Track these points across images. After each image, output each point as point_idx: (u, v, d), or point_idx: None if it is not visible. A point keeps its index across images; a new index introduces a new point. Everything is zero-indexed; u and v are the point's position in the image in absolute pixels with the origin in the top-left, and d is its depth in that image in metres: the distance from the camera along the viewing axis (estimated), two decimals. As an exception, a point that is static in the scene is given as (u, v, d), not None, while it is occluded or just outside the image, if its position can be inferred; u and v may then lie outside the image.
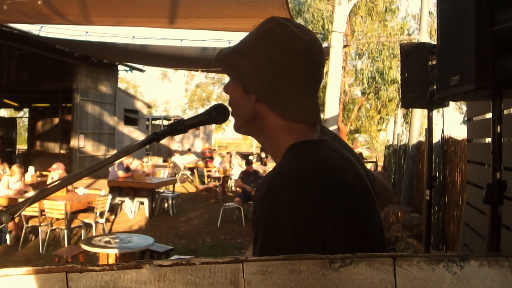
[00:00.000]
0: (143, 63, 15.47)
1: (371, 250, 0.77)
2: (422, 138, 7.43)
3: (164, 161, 17.19)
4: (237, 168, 11.84)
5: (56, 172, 7.55)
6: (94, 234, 6.35)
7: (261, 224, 0.74)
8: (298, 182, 0.75)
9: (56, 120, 16.64)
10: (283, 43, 0.85)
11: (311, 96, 0.88)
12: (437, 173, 5.29)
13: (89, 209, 6.74)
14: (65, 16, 7.26)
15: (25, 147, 19.46)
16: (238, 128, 0.94)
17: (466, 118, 3.65)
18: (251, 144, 36.65)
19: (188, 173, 13.85)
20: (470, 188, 3.26)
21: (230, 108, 0.94)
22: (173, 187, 9.96)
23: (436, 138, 5.12)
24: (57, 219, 6.18)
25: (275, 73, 0.85)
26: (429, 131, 3.39)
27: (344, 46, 10.68)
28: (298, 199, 0.73)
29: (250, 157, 14.08)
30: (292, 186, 0.74)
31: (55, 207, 5.99)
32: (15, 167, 6.80)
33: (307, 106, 0.87)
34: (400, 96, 6.57)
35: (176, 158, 14.59)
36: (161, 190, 9.67)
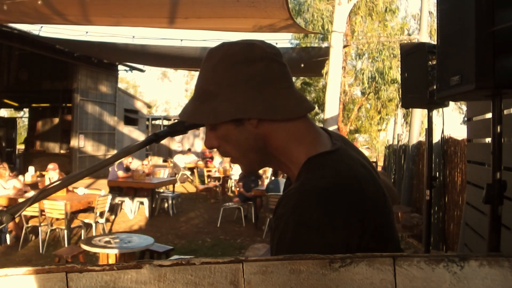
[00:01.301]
0: (143, 63, 15.48)
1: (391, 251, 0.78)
2: (422, 138, 7.43)
3: (164, 161, 17.20)
4: (237, 168, 11.84)
5: (54, 172, 7.54)
6: (94, 234, 6.35)
7: (286, 242, 0.73)
8: (324, 200, 0.74)
9: (56, 120, 16.64)
10: (245, 58, 0.84)
11: (293, 88, 0.88)
12: (437, 173, 5.29)
13: (89, 209, 6.74)
14: (65, 16, 7.26)
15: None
16: (250, 167, 0.90)
17: (466, 118, 3.65)
18: (251, 144, 36.54)
19: (188, 173, 13.86)
20: (470, 188, 3.26)
21: (228, 156, 0.89)
22: (173, 187, 9.96)
23: (436, 138, 5.12)
24: (57, 219, 6.18)
25: (257, 87, 0.83)
26: (429, 131, 3.39)
27: (344, 46, 10.69)
28: (325, 218, 0.73)
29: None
30: (317, 205, 0.73)
31: (55, 207, 5.99)
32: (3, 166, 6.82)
33: (297, 97, 0.87)
34: (400, 96, 6.57)
35: (177, 158, 14.60)
36: (161, 190, 9.67)
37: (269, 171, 12.98)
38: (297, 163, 0.83)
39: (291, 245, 0.73)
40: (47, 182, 7.51)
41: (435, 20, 2.23)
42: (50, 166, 7.55)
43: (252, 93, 0.83)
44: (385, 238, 0.79)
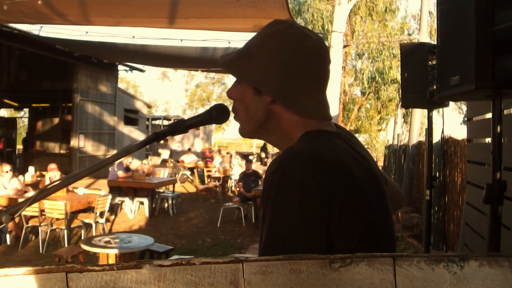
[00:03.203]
0: (143, 63, 15.46)
1: (375, 242, 0.79)
2: (422, 138, 7.43)
3: (164, 161, 17.20)
4: (237, 168, 11.84)
5: (53, 172, 7.54)
6: (94, 234, 6.35)
7: (270, 200, 0.76)
8: (308, 163, 0.76)
9: (56, 120, 16.63)
10: (295, 43, 0.87)
11: (322, 93, 0.91)
12: (437, 173, 5.29)
13: (89, 209, 6.74)
14: (65, 16, 7.25)
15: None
16: (246, 133, 0.94)
17: (466, 118, 3.66)
18: (251, 144, 36.64)
19: (188, 173, 13.86)
20: (470, 188, 3.26)
21: (234, 114, 0.94)
22: (173, 187, 9.96)
23: (436, 138, 5.12)
24: (57, 219, 6.18)
25: (289, 73, 0.86)
26: (429, 131, 3.39)
27: (344, 46, 10.69)
28: (307, 179, 0.74)
29: (250, 157, 14.09)
30: (302, 166, 0.76)
31: (55, 207, 5.99)
32: (3, 167, 6.80)
33: (320, 103, 0.89)
34: (400, 96, 6.58)
35: (164, 154, 14.63)
36: (161, 190, 9.67)
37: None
38: None
39: (275, 203, 0.75)
40: (47, 182, 7.50)
41: (435, 20, 2.22)
42: (52, 166, 7.55)
43: (281, 75, 0.86)
44: (367, 220, 0.79)
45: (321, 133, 0.85)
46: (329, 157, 0.79)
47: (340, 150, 0.82)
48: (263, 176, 10.08)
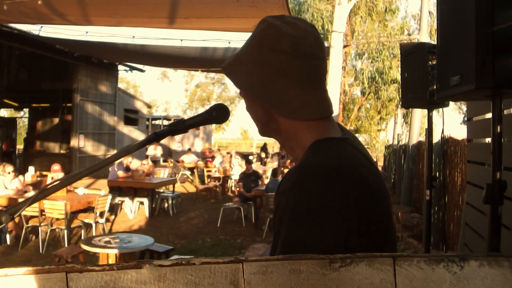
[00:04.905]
0: (143, 63, 15.47)
1: (388, 249, 0.78)
2: (422, 138, 7.43)
3: (164, 161, 17.21)
4: (237, 168, 11.84)
5: (56, 174, 7.54)
6: (94, 234, 6.35)
7: (286, 217, 0.74)
8: (325, 178, 0.75)
9: (56, 120, 16.63)
10: (271, 44, 0.85)
11: (314, 91, 0.86)
12: (437, 173, 5.29)
13: (89, 209, 6.73)
14: (65, 16, 7.25)
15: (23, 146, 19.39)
16: (259, 132, 0.95)
17: (466, 118, 3.66)
18: (251, 144, 36.68)
19: (188, 173, 13.85)
20: (470, 188, 3.26)
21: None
22: (173, 187, 9.96)
23: (436, 138, 5.12)
24: (57, 219, 6.18)
25: (270, 76, 0.85)
26: (429, 131, 3.39)
27: (344, 46, 10.68)
28: (325, 195, 0.73)
29: (250, 157, 14.09)
30: (318, 182, 0.74)
31: (55, 207, 5.99)
32: (6, 167, 6.81)
33: (310, 102, 0.85)
34: (400, 96, 6.57)
35: (149, 152, 14.69)
36: (161, 190, 9.67)
37: (269, 171, 12.97)
38: (305, 147, 0.84)
39: (292, 220, 0.73)
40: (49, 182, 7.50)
41: (435, 20, 2.22)
42: (56, 167, 7.56)
43: (264, 78, 0.85)
44: (382, 231, 0.79)
45: (331, 141, 0.83)
46: (345, 170, 0.77)
47: (353, 160, 0.81)
48: (263, 176, 10.09)
